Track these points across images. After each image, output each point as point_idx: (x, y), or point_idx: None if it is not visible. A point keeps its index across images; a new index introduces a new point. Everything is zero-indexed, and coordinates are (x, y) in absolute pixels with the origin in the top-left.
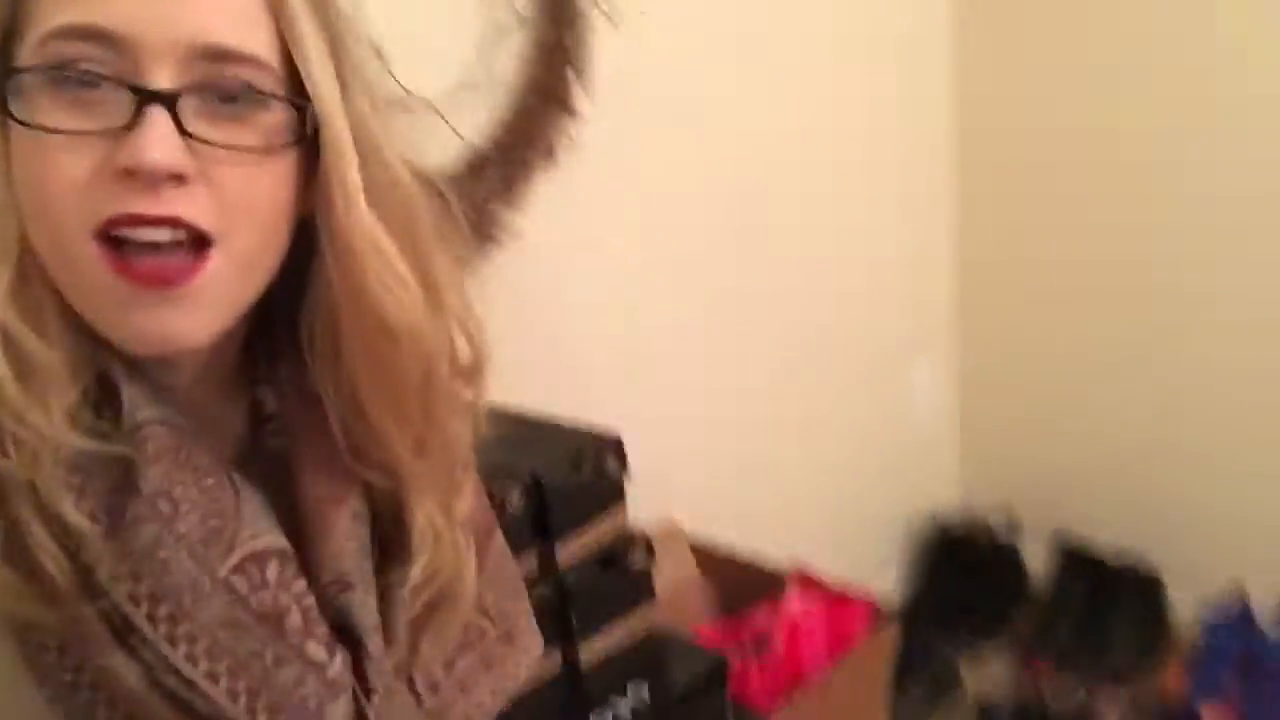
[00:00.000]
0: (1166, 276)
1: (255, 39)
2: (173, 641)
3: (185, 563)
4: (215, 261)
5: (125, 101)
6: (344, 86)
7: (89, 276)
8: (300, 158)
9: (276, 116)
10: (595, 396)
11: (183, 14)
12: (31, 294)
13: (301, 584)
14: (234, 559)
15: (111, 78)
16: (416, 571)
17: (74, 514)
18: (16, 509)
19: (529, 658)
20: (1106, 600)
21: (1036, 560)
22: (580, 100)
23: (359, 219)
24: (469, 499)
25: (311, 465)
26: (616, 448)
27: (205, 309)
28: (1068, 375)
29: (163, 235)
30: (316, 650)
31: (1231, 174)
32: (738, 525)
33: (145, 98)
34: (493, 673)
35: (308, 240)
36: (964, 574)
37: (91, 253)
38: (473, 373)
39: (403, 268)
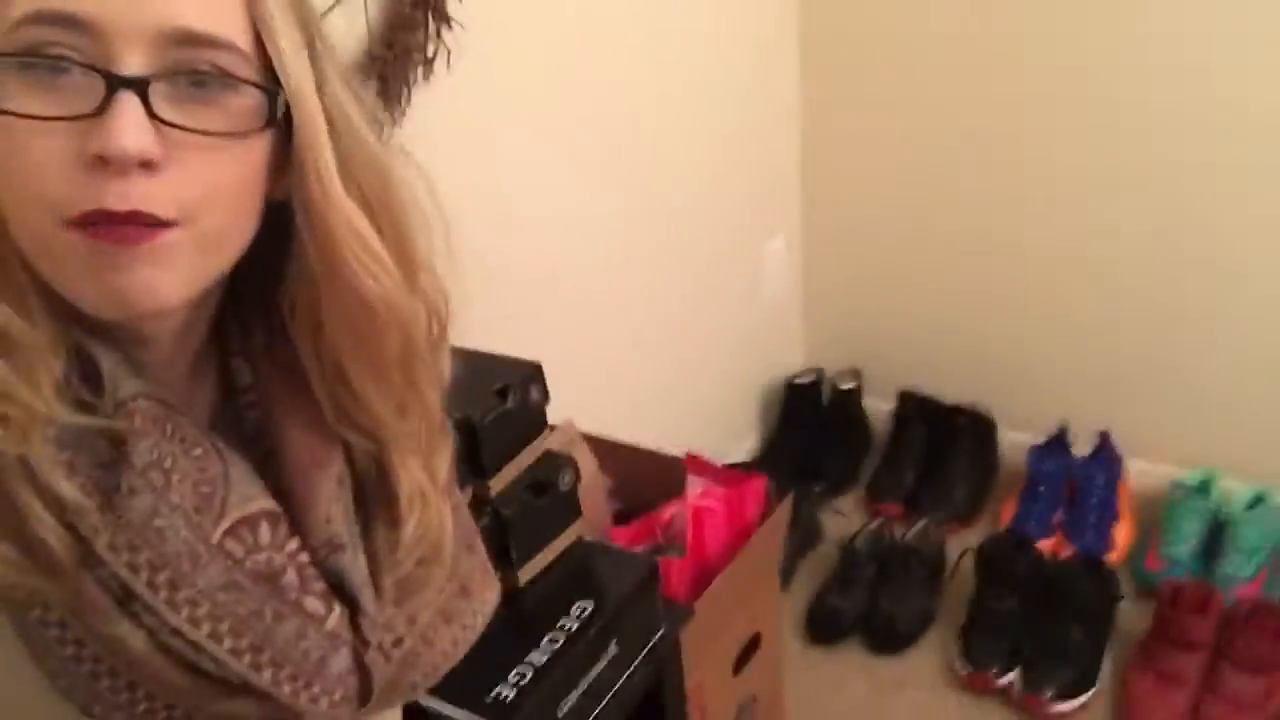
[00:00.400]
0: (997, 147)
1: (226, 23)
2: (174, 606)
3: (181, 530)
4: (177, 233)
5: (96, 87)
6: (317, 68)
7: (57, 248)
8: (275, 141)
9: (247, 100)
10: (476, 308)
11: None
12: (11, 275)
13: (294, 543)
14: (226, 523)
15: (82, 63)
16: (409, 531)
17: (69, 488)
18: (11, 485)
19: (486, 608)
20: (945, 445)
21: (881, 414)
22: (457, 10)
23: (334, 201)
24: (449, 460)
25: (293, 434)
26: (537, 375)
27: (170, 270)
28: (904, 245)
29: (128, 229)
30: (314, 604)
31: (1068, 46)
32: (616, 415)
33: (115, 83)
34: (452, 625)
35: (286, 219)
36: (816, 431)
37: (61, 234)
38: (439, 342)
39: (378, 246)
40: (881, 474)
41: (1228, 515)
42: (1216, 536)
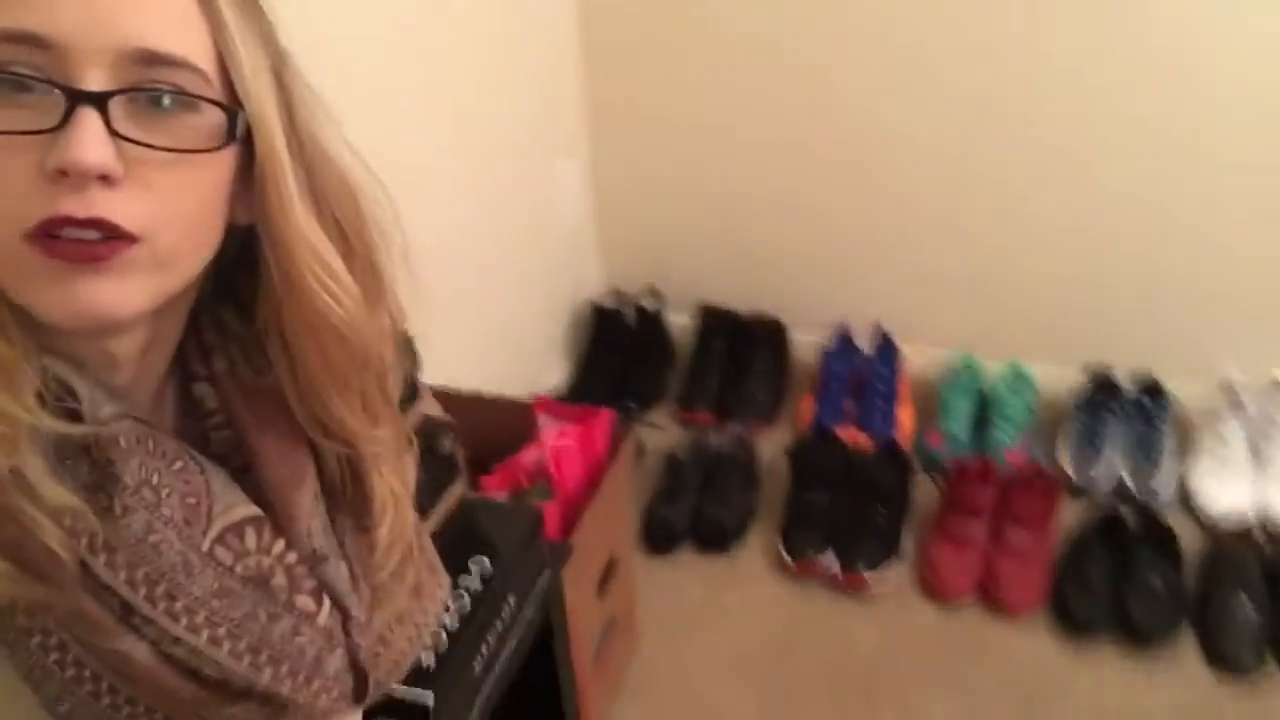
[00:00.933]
0: (776, 60)
1: (188, 43)
2: (174, 616)
3: (175, 543)
4: (138, 250)
5: (56, 102)
6: (281, 90)
7: (17, 261)
8: (239, 162)
9: (208, 120)
10: None
11: (115, 18)
12: None
13: (280, 544)
14: (215, 532)
15: (43, 79)
16: (383, 535)
17: (66, 494)
18: (7, 499)
19: (437, 606)
20: (745, 353)
21: (682, 328)
22: None
23: (295, 224)
24: (415, 465)
25: (268, 453)
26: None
27: (129, 284)
28: (690, 162)
29: (90, 235)
30: (305, 601)
31: None
32: (428, 357)
33: (76, 99)
34: (405, 625)
35: (256, 241)
36: (622, 350)
37: (24, 248)
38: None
39: (340, 269)
40: (689, 385)
41: (992, 390)
42: (984, 410)
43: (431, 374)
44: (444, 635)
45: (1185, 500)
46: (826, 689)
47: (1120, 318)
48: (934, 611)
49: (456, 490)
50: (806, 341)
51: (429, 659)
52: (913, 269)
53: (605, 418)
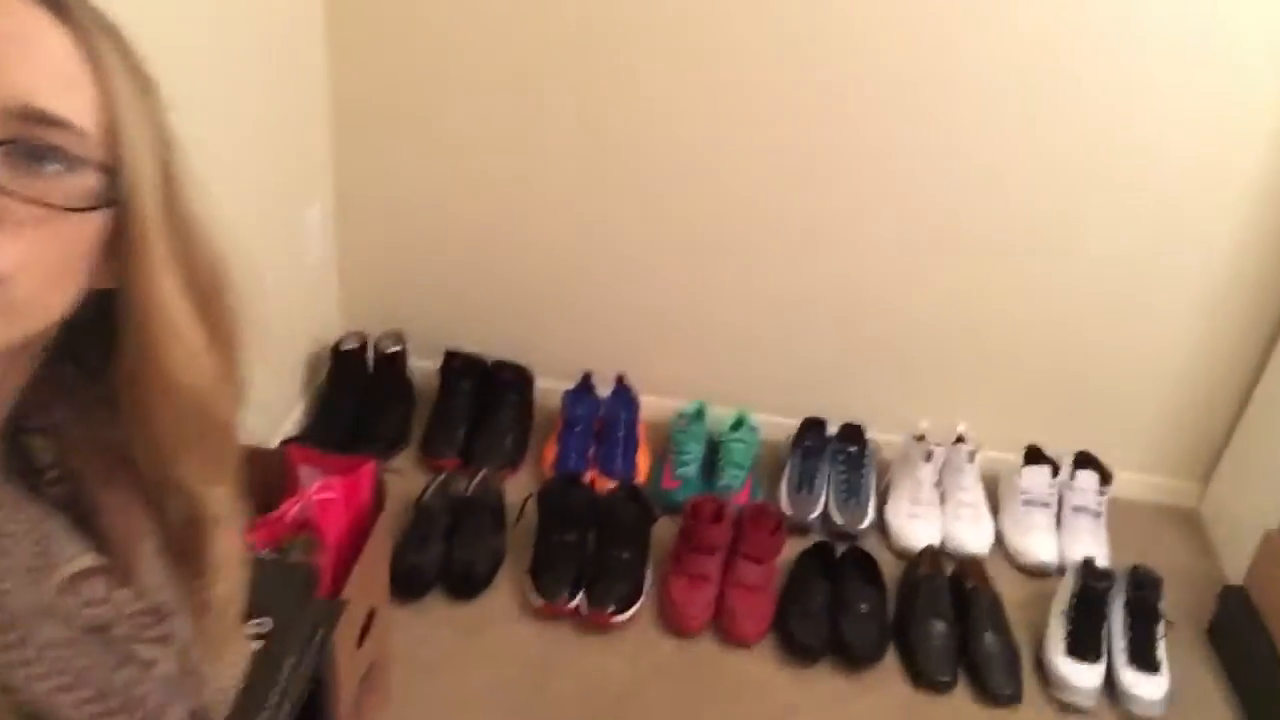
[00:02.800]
0: (516, 109)
1: (74, 105)
2: (24, 664)
3: (23, 592)
4: None
5: None
6: (162, 161)
7: None
8: (112, 226)
9: (84, 180)
10: None
11: (5, 74)
12: None
13: (123, 593)
14: (57, 581)
15: None
16: (220, 592)
17: None
18: None
19: (238, 668)
20: (490, 398)
21: (426, 373)
22: None
23: (160, 292)
24: (244, 525)
25: (109, 508)
26: None
27: None
28: (434, 208)
29: None
30: (147, 650)
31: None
32: None
33: None
34: (208, 687)
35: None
36: (361, 393)
37: None
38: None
39: (199, 338)
40: (434, 430)
41: (721, 436)
42: (713, 455)
43: None
44: (230, 696)
45: (885, 533)
46: None
47: (832, 376)
48: (675, 644)
49: None
50: (551, 388)
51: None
52: (652, 322)
53: (369, 468)
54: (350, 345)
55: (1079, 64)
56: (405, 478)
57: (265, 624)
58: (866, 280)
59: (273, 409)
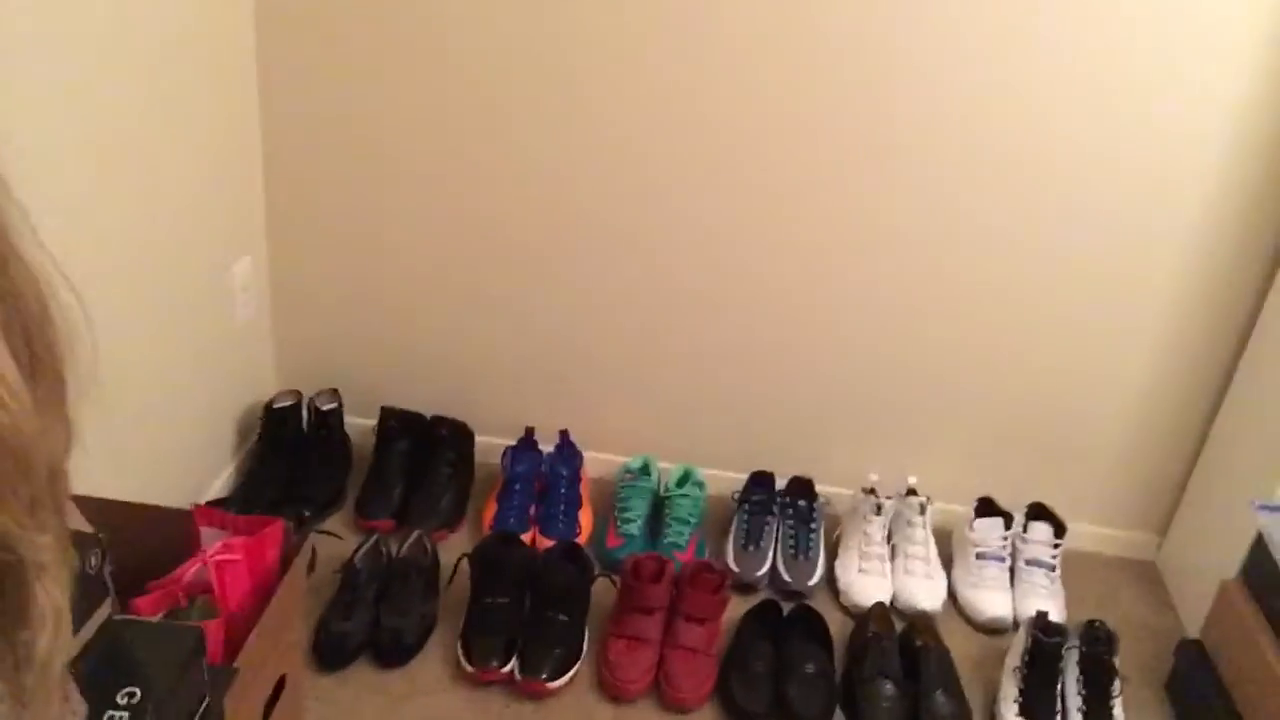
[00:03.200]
0: (458, 155)
1: None
2: None
3: None
4: None
5: None
6: None
7: None
8: None
9: None
10: None
11: None
12: None
13: None
14: None
15: None
16: (42, 649)
17: None
18: None
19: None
20: (428, 456)
21: (363, 431)
22: None
23: None
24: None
25: None
26: None
27: None
28: (371, 265)
29: None
30: None
31: (499, 49)
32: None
33: None
34: None
35: None
36: (297, 455)
37: None
38: None
39: (14, 375)
40: (369, 491)
41: (666, 492)
42: (658, 511)
43: (78, 483)
44: None
45: (835, 590)
46: None
47: (781, 428)
48: (612, 711)
49: (103, 611)
50: (488, 444)
51: None
52: (597, 375)
53: (276, 528)
54: (283, 403)
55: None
56: (341, 542)
57: (133, 695)
58: (815, 332)
59: (199, 471)
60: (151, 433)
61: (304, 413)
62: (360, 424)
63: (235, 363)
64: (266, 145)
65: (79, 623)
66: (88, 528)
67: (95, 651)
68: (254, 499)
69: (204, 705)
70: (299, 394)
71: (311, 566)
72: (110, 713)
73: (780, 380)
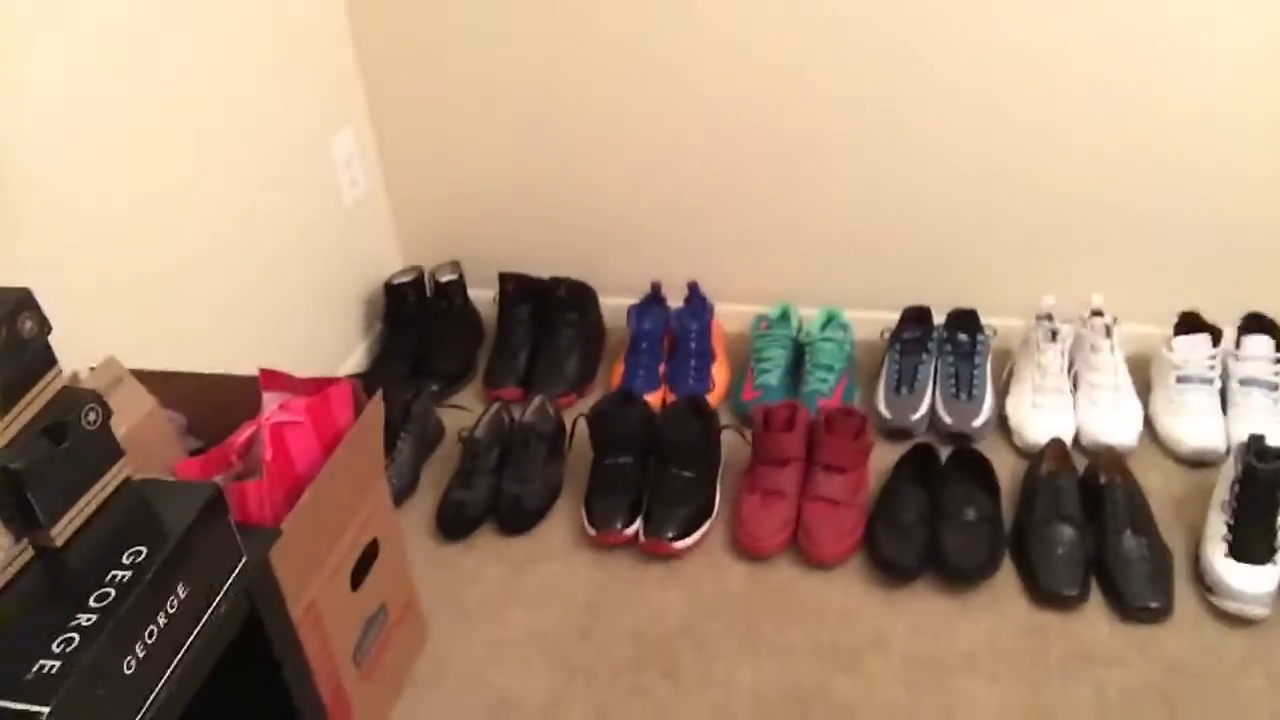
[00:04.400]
0: (564, 14)
1: None
2: None
3: None
4: None
5: None
6: None
7: None
8: None
9: None
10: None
11: None
12: None
13: None
14: None
15: None
16: None
17: None
18: None
19: None
20: (551, 320)
21: (487, 302)
22: None
23: None
24: None
25: None
26: (26, 303)
27: None
28: (480, 128)
29: None
30: None
31: None
32: (196, 352)
33: None
34: None
35: None
36: (424, 329)
37: None
38: None
39: None
40: (494, 360)
41: (807, 337)
42: (799, 360)
43: (210, 364)
44: (76, 636)
45: (1006, 432)
46: (627, 663)
47: (936, 259)
48: (745, 570)
49: (115, 473)
50: (614, 304)
51: (52, 663)
52: (724, 226)
53: (342, 390)
54: (403, 279)
55: None
56: (470, 413)
57: (139, 553)
58: (964, 149)
59: (329, 351)
60: (276, 317)
61: (425, 286)
62: (484, 294)
63: (352, 241)
64: (354, 11)
65: (84, 484)
66: (91, 388)
67: (107, 513)
68: (385, 376)
69: (240, 567)
70: (419, 269)
71: (437, 438)
72: (112, 571)
73: (932, 203)
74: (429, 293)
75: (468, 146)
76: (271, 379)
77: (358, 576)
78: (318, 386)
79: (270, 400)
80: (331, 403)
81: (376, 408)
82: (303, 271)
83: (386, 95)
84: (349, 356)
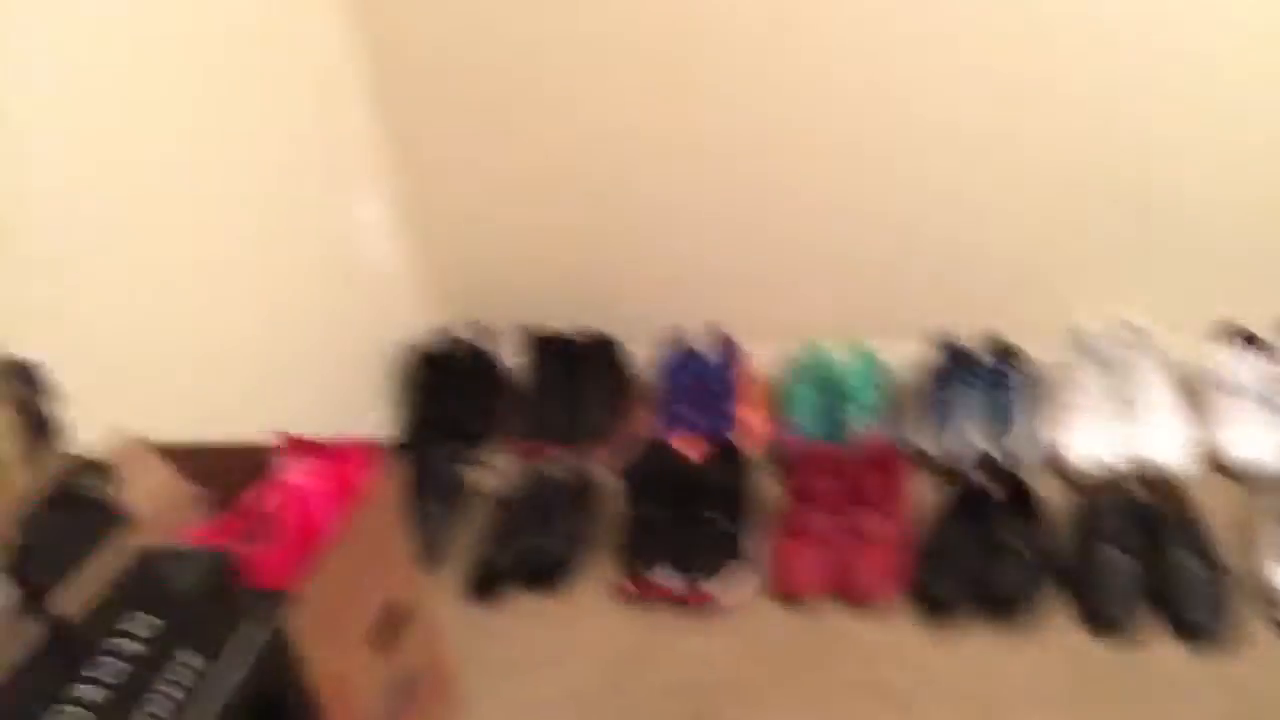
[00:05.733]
0: (583, 71)
1: None
2: None
3: None
4: None
5: None
6: None
7: None
8: None
9: None
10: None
11: None
12: None
13: None
14: None
15: None
16: None
17: None
18: None
19: None
20: (577, 374)
21: (511, 358)
22: None
23: None
24: None
25: None
26: (33, 373)
27: None
28: (500, 186)
29: None
30: None
31: None
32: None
33: None
34: None
35: None
36: (449, 386)
37: None
38: None
39: None
40: (521, 416)
41: (839, 375)
42: (831, 396)
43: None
44: (79, 708)
45: (1048, 458)
46: (668, 717)
47: (965, 285)
48: (787, 615)
49: (119, 540)
50: (640, 354)
51: None
52: (744, 265)
53: (362, 450)
54: (428, 340)
55: None
56: (498, 471)
57: (149, 622)
58: (974, 177)
59: (350, 414)
60: (297, 380)
61: (451, 347)
62: (507, 349)
63: (376, 305)
64: (379, 80)
65: (90, 553)
66: (100, 457)
67: (116, 583)
68: (408, 437)
69: (246, 628)
70: (443, 329)
71: (464, 500)
72: (116, 640)
73: (956, 230)
74: (452, 352)
75: (490, 210)
76: (290, 443)
77: (385, 642)
78: (336, 449)
79: (288, 464)
80: (350, 465)
81: (396, 469)
82: (323, 334)
83: (409, 162)
84: (371, 418)
